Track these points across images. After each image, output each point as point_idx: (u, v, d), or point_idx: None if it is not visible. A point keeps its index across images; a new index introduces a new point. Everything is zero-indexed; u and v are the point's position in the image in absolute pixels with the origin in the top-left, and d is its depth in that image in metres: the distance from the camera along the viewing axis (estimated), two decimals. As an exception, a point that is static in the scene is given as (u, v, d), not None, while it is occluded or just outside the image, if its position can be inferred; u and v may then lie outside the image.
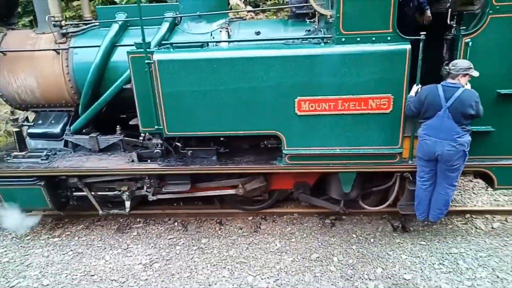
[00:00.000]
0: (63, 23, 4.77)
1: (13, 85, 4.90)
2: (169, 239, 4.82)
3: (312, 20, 4.59)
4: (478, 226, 4.76)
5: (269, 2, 8.35)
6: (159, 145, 4.62)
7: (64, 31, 4.82)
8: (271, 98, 3.98)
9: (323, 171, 4.33)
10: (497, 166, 4.12)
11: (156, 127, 4.26)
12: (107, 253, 4.60)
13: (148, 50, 4.00)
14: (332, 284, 3.86)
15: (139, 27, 4.76)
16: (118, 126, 4.87)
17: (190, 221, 5.19)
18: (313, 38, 4.05)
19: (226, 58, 3.90)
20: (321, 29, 4.40)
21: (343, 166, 4.22)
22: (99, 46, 4.66)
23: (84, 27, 4.96)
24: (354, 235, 4.69)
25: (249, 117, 4.07)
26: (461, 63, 3.64)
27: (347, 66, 3.81)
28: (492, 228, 4.72)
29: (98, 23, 5.00)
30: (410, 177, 4.31)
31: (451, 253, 4.26)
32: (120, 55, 4.71)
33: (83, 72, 4.74)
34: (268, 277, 4.02)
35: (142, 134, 4.92)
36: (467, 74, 3.62)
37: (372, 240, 4.58)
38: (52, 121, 5.08)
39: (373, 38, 3.78)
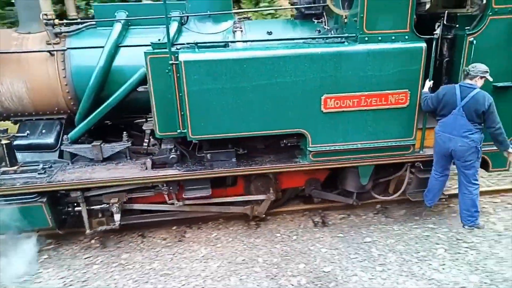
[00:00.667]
0: (56, 21, 4.30)
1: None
2: (86, 258, 4.46)
3: (320, 21, 4.73)
4: (388, 215, 5.19)
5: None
6: (173, 150, 4.42)
7: (58, 30, 4.36)
8: (298, 96, 4.03)
9: (345, 165, 4.49)
10: (492, 151, 4.63)
11: (178, 130, 4.06)
12: (12, 282, 4.04)
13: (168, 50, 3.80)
14: (257, 285, 3.89)
15: (142, 27, 4.57)
16: (124, 132, 4.54)
17: (108, 237, 4.86)
18: (337, 37, 4.18)
19: (256, 57, 3.86)
20: (332, 29, 4.57)
21: (363, 160, 4.43)
22: (101, 47, 4.30)
23: (79, 26, 4.53)
24: (277, 234, 4.78)
25: (276, 116, 4.08)
26: (480, 66, 4.01)
27: (370, 63, 4.01)
28: (399, 215, 5.17)
29: (94, 22, 4.59)
30: (421, 166, 4.66)
31: (365, 242, 4.51)
32: (124, 57, 4.41)
33: (82, 76, 4.35)
34: (194, 286, 3.94)
35: (146, 140, 4.69)
36: (484, 77, 4.02)
37: (294, 237, 4.71)
38: (43, 131, 4.57)
39: (393, 37, 4.03)
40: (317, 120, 4.15)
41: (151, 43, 3.93)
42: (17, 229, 4.22)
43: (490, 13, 4.09)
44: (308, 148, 4.27)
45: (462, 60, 4.22)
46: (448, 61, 4.53)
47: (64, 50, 4.27)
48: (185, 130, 4.04)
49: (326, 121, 4.17)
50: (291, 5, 5.12)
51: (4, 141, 4.16)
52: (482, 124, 4.13)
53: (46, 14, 4.23)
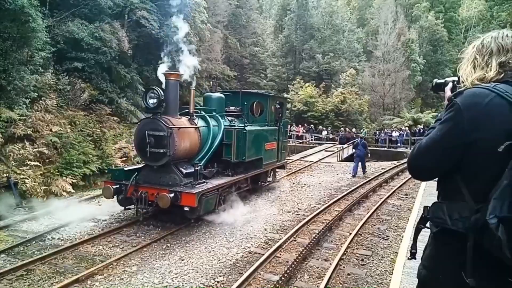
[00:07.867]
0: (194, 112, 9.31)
1: (181, 146, 8.58)
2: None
3: (242, 117, 12.30)
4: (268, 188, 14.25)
5: None
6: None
7: (194, 117, 9.31)
8: (259, 143, 11.48)
9: (271, 167, 12.30)
10: (278, 166, 13.98)
11: (243, 157, 10.32)
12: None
13: (241, 127, 10.27)
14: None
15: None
16: (215, 163, 9.89)
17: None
18: (265, 124, 12.09)
19: (254, 129, 11.17)
20: (256, 118, 12.34)
21: (270, 166, 12.43)
22: (206, 126, 9.77)
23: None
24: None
25: (256, 150, 11.32)
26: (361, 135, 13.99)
27: (271, 132, 12.29)
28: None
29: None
30: (276, 169, 13.24)
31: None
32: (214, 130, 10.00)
33: (204, 138, 9.52)
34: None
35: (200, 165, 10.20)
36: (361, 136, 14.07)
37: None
38: (190, 166, 9.00)
39: (272, 123, 12.57)
40: (264, 152, 11.77)
41: (230, 125, 10.22)
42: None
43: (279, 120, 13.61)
44: (263, 163, 11.70)
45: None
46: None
47: (203, 126, 9.38)
48: (245, 157, 10.38)
49: (266, 152, 11.87)
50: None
51: (196, 168, 8.61)
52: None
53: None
